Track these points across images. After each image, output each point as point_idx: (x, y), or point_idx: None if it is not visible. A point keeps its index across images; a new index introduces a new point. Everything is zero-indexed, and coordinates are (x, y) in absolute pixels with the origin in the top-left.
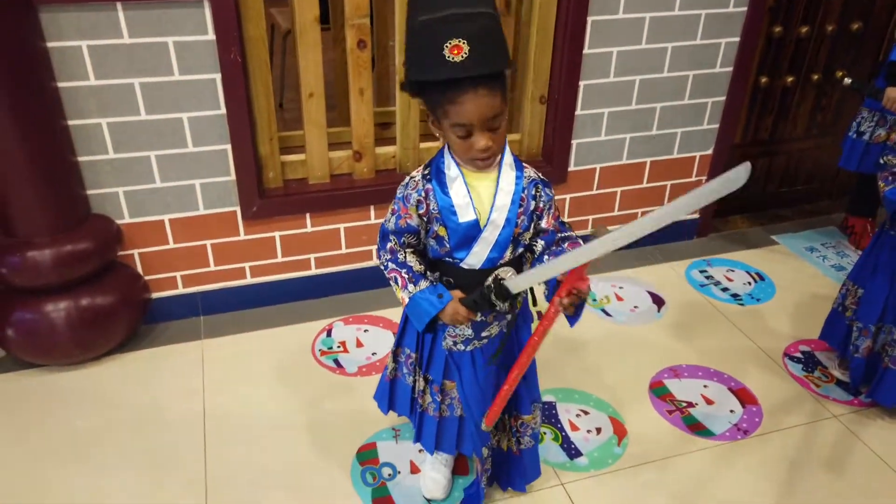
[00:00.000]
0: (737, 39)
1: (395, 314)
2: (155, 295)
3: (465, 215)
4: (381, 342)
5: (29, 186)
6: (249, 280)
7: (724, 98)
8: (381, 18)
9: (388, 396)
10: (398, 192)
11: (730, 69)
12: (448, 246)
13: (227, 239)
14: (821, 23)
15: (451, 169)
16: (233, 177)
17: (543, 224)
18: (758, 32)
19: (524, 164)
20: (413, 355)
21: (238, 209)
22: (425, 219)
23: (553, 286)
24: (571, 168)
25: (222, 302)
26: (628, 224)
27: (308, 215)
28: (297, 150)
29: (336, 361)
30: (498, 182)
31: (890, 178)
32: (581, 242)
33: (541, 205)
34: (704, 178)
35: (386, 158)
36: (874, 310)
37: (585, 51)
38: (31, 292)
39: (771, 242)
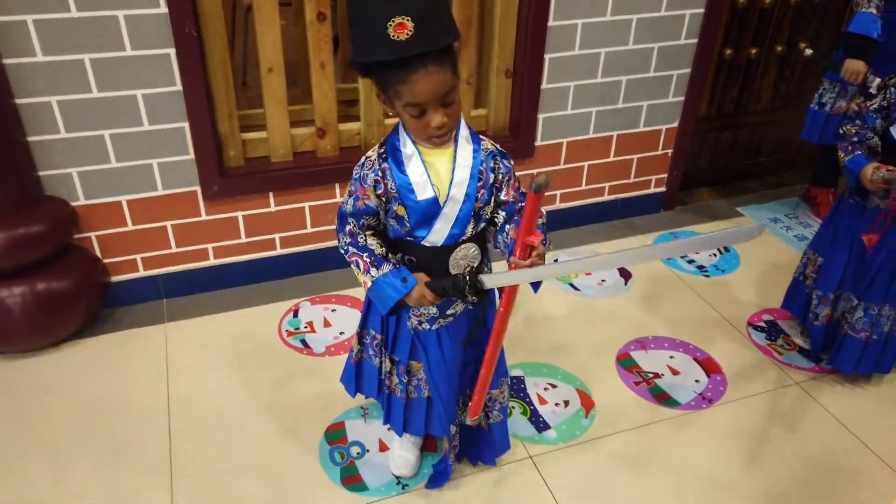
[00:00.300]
0: (701, 11)
1: (363, 293)
2: (115, 278)
3: (423, 193)
4: (348, 322)
5: None
6: (213, 261)
7: (689, 70)
8: None
9: (355, 379)
10: (354, 172)
11: (695, 41)
12: (408, 225)
13: (188, 220)
14: None
15: (406, 146)
16: (192, 155)
17: (503, 196)
18: (722, 3)
19: (480, 136)
20: (378, 336)
21: (198, 189)
22: (384, 199)
23: (510, 250)
24: (538, 143)
25: (185, 284)
26: (613, 254)
27: (271, 194)
28: (261, 128)
29: (303, 342)
30: (455, 157)
31: (849, 147)
32: (542, 212)
33: (500, 177)
34: (670, 151)
35: (350, 135)
36: (833, 278)
37: (550, 23)
38: None
39: (736, 214)
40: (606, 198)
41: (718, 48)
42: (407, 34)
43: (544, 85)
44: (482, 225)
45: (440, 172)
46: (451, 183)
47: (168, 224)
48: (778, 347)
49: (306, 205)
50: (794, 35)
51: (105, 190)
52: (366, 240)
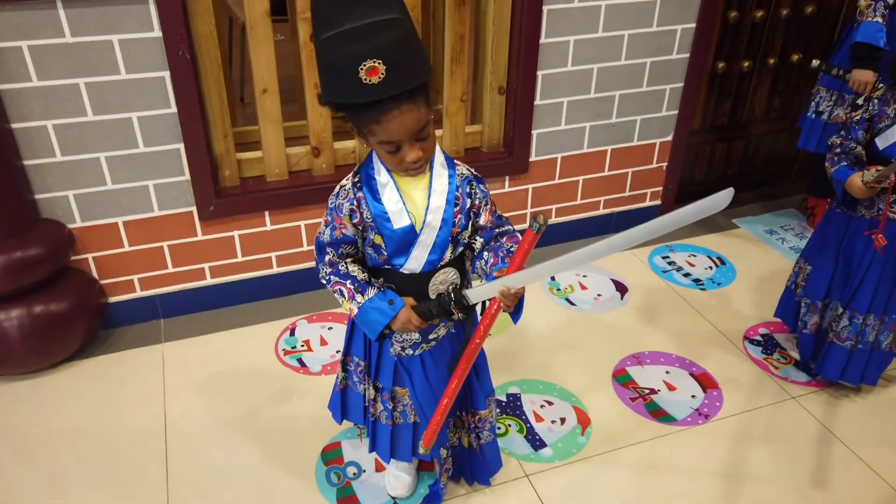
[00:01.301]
0: (693, 25)
1: None
2: (112, 299)
3: (399, 221)
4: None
5: None
6: (209, 281)
7: (681, 84)
8: None
9: (341, 406)
10: (329, 202)
11: (687, 55)
12: (385, 254)
13: (185, 240)
14: (775, 7)
15: (381, 175)
16: (187, 176)
17: (482, 221)
18: (713, 18)
19: (455, 161)
20: (362, 363)
21: (194, 209)
22: (360, 227)
23: (491, 277)
24: (533, 158)
25: (182, 304)
26: (593, 245)
27: (267, 213)
28: (257, 145)
29: (300, 361)
30: (431, 184)
31: (835, 158)
32: (519, 236)
33: (476, 202)
34: (665, 164)
35: (345, 153)
36: (821, 286)
37: (542, 40)
38: None
39: (732, 226)
40: (602, 212)
41: (711, 62)
42: (379, 77)
43: (538, 101)
44: (460, 249)
45: (416, 199)
46: (426, 209)
47: (165, 244)
48: (774, 361)
49: (302, 223)
50: (786, 48)
51: (101, 212)
52: (347, 267)
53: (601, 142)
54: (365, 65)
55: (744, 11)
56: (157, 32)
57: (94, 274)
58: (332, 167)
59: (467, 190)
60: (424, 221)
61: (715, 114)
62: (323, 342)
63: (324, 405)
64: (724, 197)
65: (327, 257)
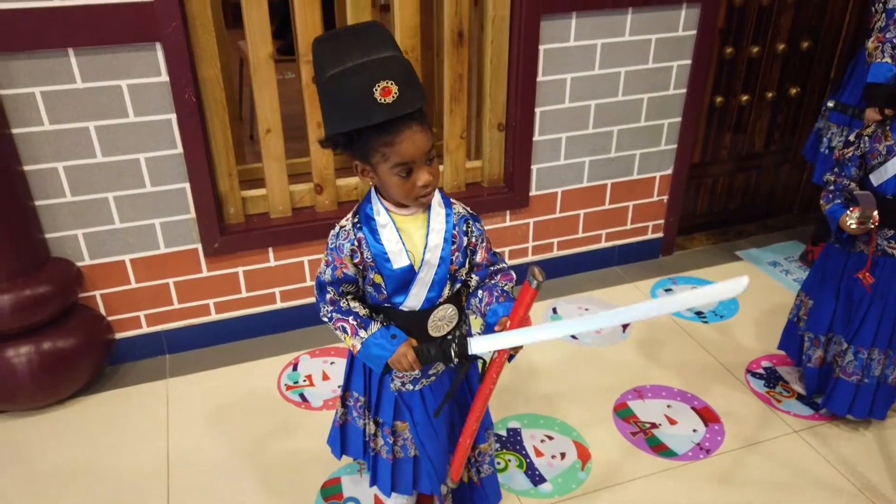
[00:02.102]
0: (688, 62)
1: None
2: (119, 335)
3: (398, 261)
4: None
5: None
6: (214, 316)
7: (679, 119)
8: None
9: (340, 441)
10: (329, 242)
11: (683, 90)
12: (385, 292)
13: (190, 276)
14: (771, 42)
15: (380, 215)
16: (192, 214)
17: (478, 258)
18: (709, 54)
19: (451, 200)
20: (361, 399)
21: (199, 246)
22: (361, 267)
23: (491, 327)
24: (533, 192)
25: (188, 339)
26: (602, 314)
27: (271, 249)
28: (261, 182)
29: (302, 396)
30: (429, 222)
31: (829, 196)
32: (513, 274)
33: (473, 239)
34: (665, 197)
35: (348, 190)
36: (823, 320)
37: (539, 78)
38: None
39: (735, 258)
40: (603, 245)
41: (709, 96)
42: (393, 97)
43: (536, 137)
44: (458, 286)
45: (414, 238)
46: (425, 248)
47: (170, 281)
48: (777, 395)
49: (305, 259)
50: (784, 82)
51: (109, 250)
52: (348, 304)
53: (601, 176)
54: (379, 85)
55: (739, 47)
56: (165, 77)
57: (102, 310)
58: (334, 204)
59: (464, 228)
60: (423, 260)
61: (715, 147)
62: (325, 377)
63: (325, 440)
64: (739, 285)
65: (328, 296)
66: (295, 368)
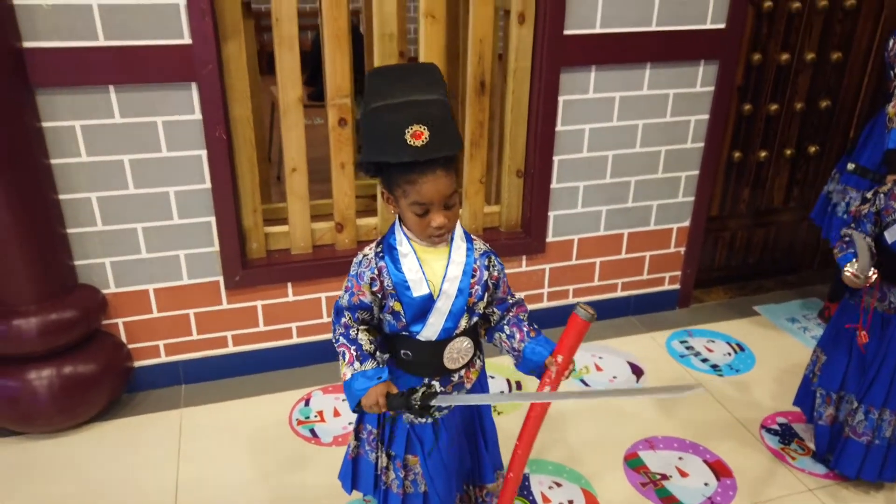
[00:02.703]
0: (706, 117)
1: None
2: (137, 363)
3: (418, 290)
4: None
5: (18, 256)
6: (231, 349)
7: (697, 172)
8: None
9: (352, 475)
10: (352, 269)
11: (701, 144)
12: (404, 320)
13: (210, 308)
14: (789, 101)
15: (402, 245)
16: (216, 248)
17: (500, 293)
18: (726, 110)
19: (473, 237)
20: (375, 431)
21: (221, 279)
22: (379, 295)
23: (533, 363)
24: (550, 239)
25: (204, 371)
26: (584, 391)
27: (290, 285)
28: (283, 221)
29: (312, 431)
30: (450, 255)
31: (843, 246)
32: (526, 305)
33: (495, 273)
34: (683, 249)
35: (368, 230)
36: (835, 377)
37: (558, 128)
38: (15, 360)
39: (752, 313)
40: (620, 294)
41: (727, 151)
42: (423, 141)
43: (554, 184)
44: (475, 319)
45: (434, 268)
46: (444, 278)
47: (191, 312)
48: (791, 452)
49: (322, 295)
50: (803, 140)
51: (134, 279)
52: (357, 334)
53: (618, 225)
54: (412, 128)
55: (758, 105)
56: (198, 115)
57: (123, 338)
58: (354, 242)
59: (485, 263)
60: (441, 289)
61: (734, 201)
62: (336, 413)
63: (333, 475)
64: (689, 390)
65: (343, 319)
66: (307, 404)
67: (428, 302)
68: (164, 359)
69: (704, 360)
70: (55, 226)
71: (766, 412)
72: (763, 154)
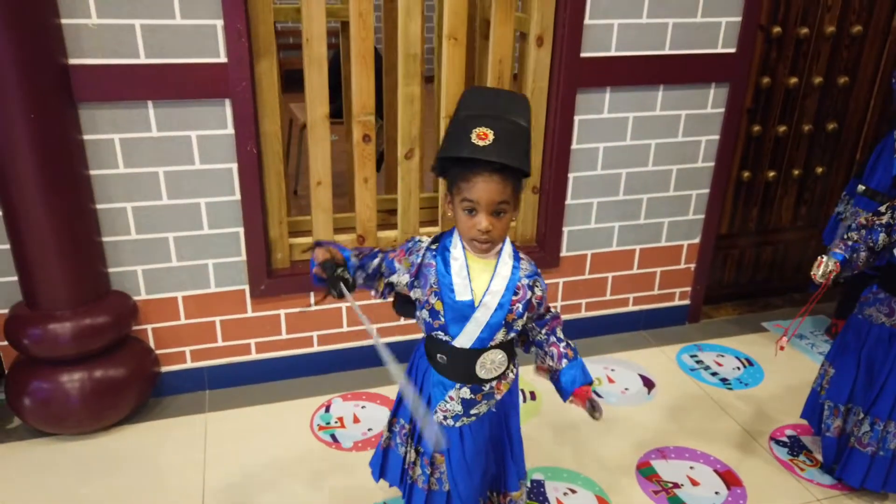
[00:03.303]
0: (716, 137)
1: (392, 391)
2: (164, 369)
3: (462, 294)
4: (377, 418)
5: (56, 263)
6: (254, 356)
7: (707, 191)
8: (391, 114)
9: (381, 464)
10: (405, 242)
11: (712, 164)
12: (442, 320)
13: (235, 316)
14: (797, 123)
15: (455, 248)
16: (244, 257)
17: (542, 310)
18: (736, 132)
19: (521, 255)
20: (407, 426)
21: (247, 288)
22: (407, 274)
23: (566, 392)
24: (563, 253)
25: (227, 377)
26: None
27: (312, 294)
28: (306, 233)
29: (333, 437)
30: (496, 269)
31: (843, 245)
32: (560, 318)
33: (539, 293)
34: (693, 265)
35: (388, 242)
36: (843, 390)
37: (573, 146)
38: (49, 363)
39: (761, 329)
40: (631, 308)
41: (736, 171)
42: (485, 143)
43: (568, 201)
44: (512, 335)
45: (480, 279)
46: (486, 290)
47: (217, 319)
48: (800, 463)
49: (343, 305)
50: (810, 161)
51: (164, 286)
52: (371, 260)
53: (630, 241)
54: (479, 130)
55: (767, 126)
56: (231, 130)
57: (151, 344)
58: None
59: (530, 283)
60: (482, 300)
61: (743, 219)
62: (356, 420)
63: (352, 481)
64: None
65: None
66: (327, 410)
67: (468, 308)
68: (189, 364)
69: (714, 374)
70: (92, 234)
71: (774, 425)
72: (771, 174)
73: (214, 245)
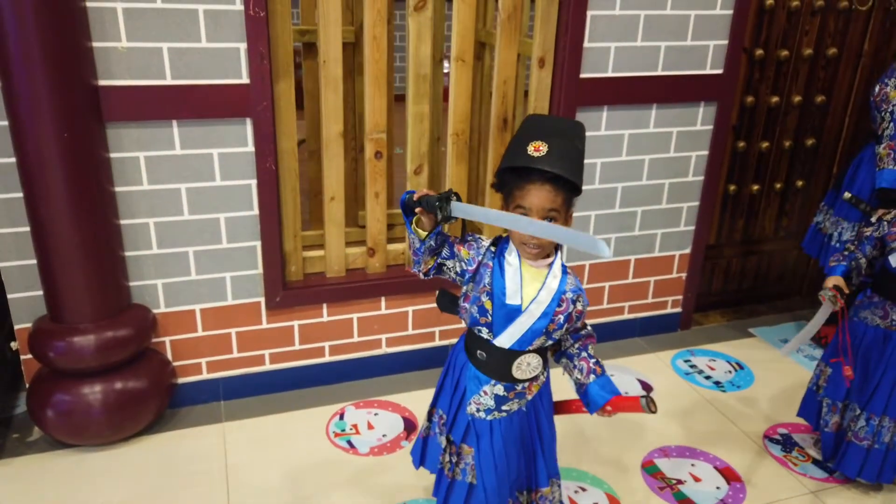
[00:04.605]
0: (706, 153)
1: (403, 399)
2: (181, 380)
3: (512, 299)
4: (390, 425)
5: (81, 278)
6: (268, 366)
7: (697, 203)
8: (388, 130)
9: (421, 453)
10: (469, 237)
11: (701, 178)
12: (490, 318)
13: (251, 327)
14: (779, 139)
15: (511, 255)
16: (260, 270)
17: (579, 325)
18: (723, 147)
19: (569, 272)
20: (444, 416)
21: (262, 300)
22: (464, 265)
23: (594, 404)
24: (565, 263)
25: (242, 387)
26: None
27: (325, 305)
28: (310, 247)
29: (349, 442)
30: (546, 280)
31: (839, 257)
32: (595, 336)
33: (579, 307)
34: (684, 275)
35: (396, 254)
36: (840, 387)
37: None
38: (70, 374)
39: (748, 335)
40: (626, 316)
41: (723, 184)
42: (539, 153)
43: None
44: (549, 343)
45: (530, 287)
46: (534, 299)
47: (233, 331)
48: (793, 458)
49: (354, 316)
50: (791, 174)
51: (183, 299)
52: (443, 246)
53: (625, 251)
54: (534, 143)
55: (750, 142)
56: (251, 148)
57: (169, 355)
58: (384, 266)
59: (573, 297)
60: (528, 307)
61: (729, 230)
62: (370, 426)
63: (371, 485)
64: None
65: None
66: (342, 418)
67: (515, 312)
68: (205, 376)
69: (708, 378)
70: (116, 249)
71: (767, 423)
72: (755, 187)
73: (232, 259)
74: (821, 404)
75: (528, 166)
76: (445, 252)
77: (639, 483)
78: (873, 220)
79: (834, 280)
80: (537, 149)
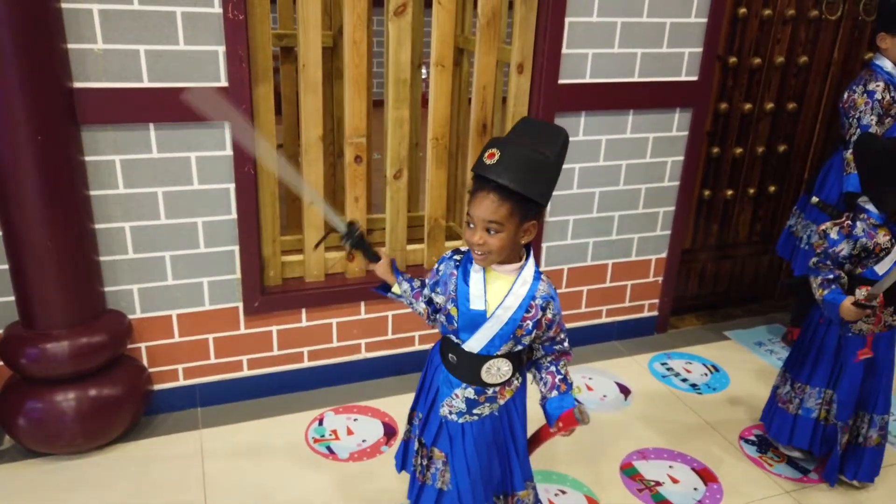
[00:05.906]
0: (681, 159)
1: (383, 404)
2: (157, 386)
3: (475, 304)
4: (370, 430)
5: (53, 283)
6: (246, 372)
7: (673, 208)
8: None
9: (403, 456)
10: (440, 260)
11: (677, 183)
12: (455, 325)
13: (228, 333)
14: (752, 145)
15: (475, 263)
16: (238, 275)
17: (550, 334)
18: (698, 153)
19: (542, 277)
20: (422, 417)
21: (240, 305)
22: (433, 284)
23: (550, 416)
24: (542, 268)
25: (219, 394)
26: None
27: (304, 311)
28: (288, 252)
29: (329, 448)
30: (513, 286)
31: (826, 283)
32: (571, 354)
33: (550, 315)
34: (660, 279)
35: None
36: (848, 408)
37: None
38: (43, 382)
39: (723, 338)
40: (604, 320)
41: (698, 189)
42: (491, 161)
43: (547, 218)
44: (519, 348)
45: (496, 293)
46: (500, 304)
47: (210, 337)
48: (768, 459)
49: (334, 321)
50: (763, 180)
51: (159, 305)
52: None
53: (603, 256)
54: (490, 150)
55: (724, 148)
56: (229, 151)
57: (145, 362)
58: (363, 271)
59: (543, 304)
60: (494, 312)
61: (704, 235)
62: (349, 432)
63: (351, 491)
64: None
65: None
66: (321, 423)
67: (479, 318)
68: (182, 382)
69: (684, 380)
70: (90, 253)
71: (743, 425)
72: (729, 192)
73: (210, 263)
74: (833, 429)
75: (478, 173)
76: (426, 291)
77: (618, 485)
78: (833, 235)
79: (851, 300)
80: (491, 156)
